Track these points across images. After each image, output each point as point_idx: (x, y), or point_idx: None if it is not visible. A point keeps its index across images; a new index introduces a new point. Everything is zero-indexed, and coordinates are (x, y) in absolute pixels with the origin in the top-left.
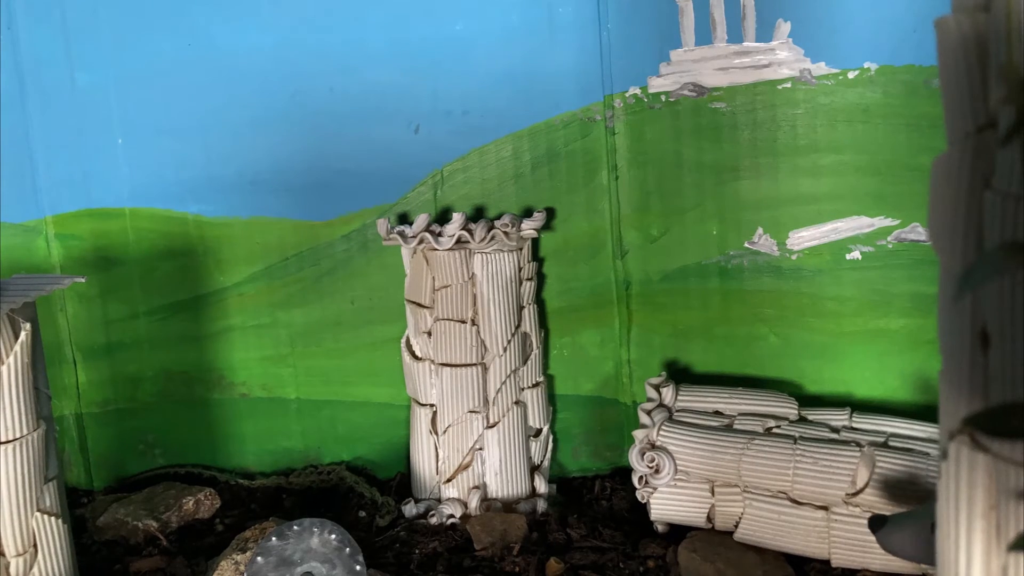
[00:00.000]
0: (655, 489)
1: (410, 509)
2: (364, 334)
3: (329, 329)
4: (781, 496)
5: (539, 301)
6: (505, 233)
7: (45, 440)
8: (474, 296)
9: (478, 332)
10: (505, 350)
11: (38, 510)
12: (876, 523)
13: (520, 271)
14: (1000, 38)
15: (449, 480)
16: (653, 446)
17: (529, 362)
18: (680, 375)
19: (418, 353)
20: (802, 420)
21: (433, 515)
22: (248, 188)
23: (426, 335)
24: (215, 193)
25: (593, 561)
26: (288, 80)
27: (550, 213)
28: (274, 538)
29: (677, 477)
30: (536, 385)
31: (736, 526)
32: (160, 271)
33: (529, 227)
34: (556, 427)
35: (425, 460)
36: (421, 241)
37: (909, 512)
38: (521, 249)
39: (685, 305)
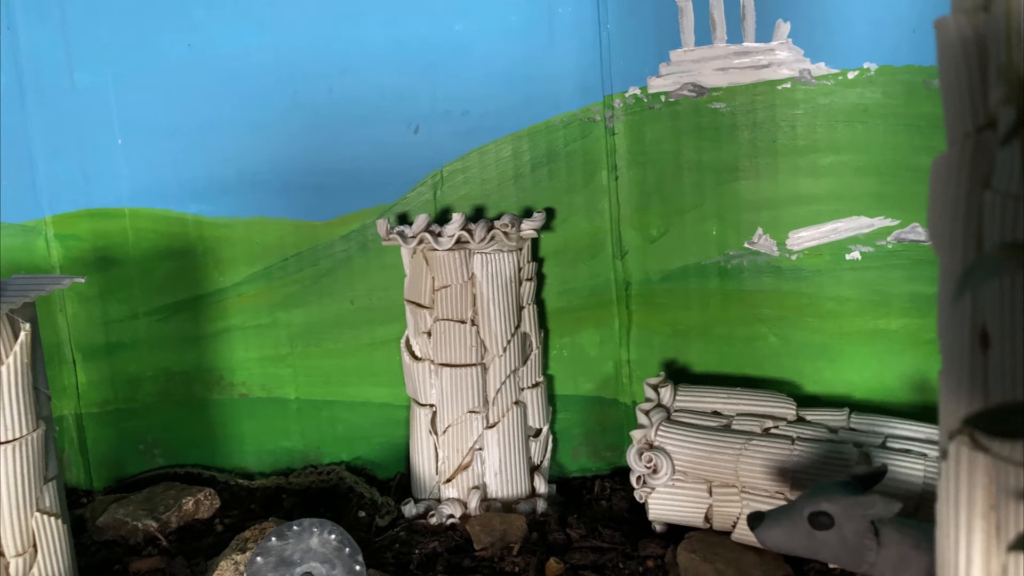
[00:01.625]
0: (653, 489)
1: (410, 509)
2: (364, 334)
3: (329, 329)
4: (779, 497)
5: (539, 301)
6: (505, 233)
7: (45, 440)
8: (474, 296)
9: (478, 332)
10: (505, 350)
11: (38, 510)
12: (755, 519)
13: (520, 271)
14: (1000, 38)
15: (449, 480)
16: (651, 446)
17: (529, 362)
18: (679, 375)
19: (418, 353)
20: (800, 421)
21: (433, 515)
22: (248, 188)
23: (426, 335)
24: (215, 193)
25: (593, 561)
26: (288, 80)
27: (550, 213)
28: (274, 538)
29: (675, 477)
30: (536, 385)
31: (734, 526)
32: (160, 271)
33: (529, 227)
34: (556, 427)
35: (425, 460)
36: (421, 241)
37: (784, 507)
38: (521, 249)
39: (685, 305)
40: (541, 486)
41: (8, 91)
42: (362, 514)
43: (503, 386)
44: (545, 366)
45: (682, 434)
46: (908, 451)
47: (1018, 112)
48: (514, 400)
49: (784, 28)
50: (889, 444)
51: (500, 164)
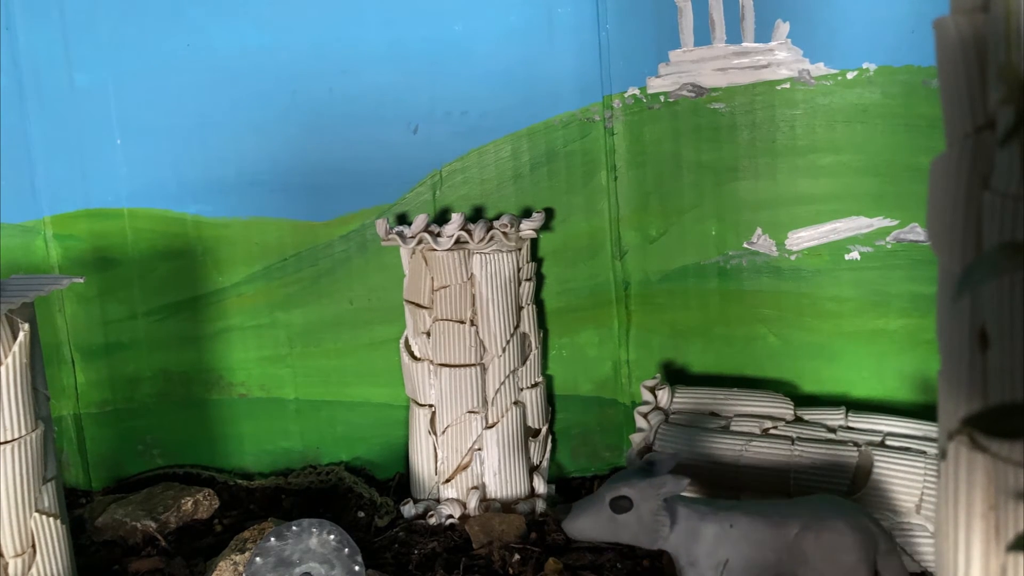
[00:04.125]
0: None
1: (409, 509)
2: (363, 334)
3: (328, 329)
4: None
5: (538, 301)
6: (504, 233)
7: (43, 440)
8: (473, 296)
9: (477, 332)
10: (504, 350)
11: (36, 511)
12: (562, 512)
13: (519, 271)
14: (999, 39)
15: (448, 480)
16: (650, 449)
17: (528, 362)
18: (678, 375)
19: (417, 353)
20: (798, 420)
21: (432, 515)
22: (247, 188)
23: (425, 335)
24: (214, 193)
25: (591, 561)
26: (287, 81)
27: (549, 213)
28: (273, 539)
29: None
30: (535, 385)
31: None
32: (159, 271)
33: (528, 227)
34: (555, 427)
35: (424, 460)
36: (420, 241)
37: (587, 498)
38: (520, 249)
39: (684, 305)
40: (540, 486)
41: (7, 91)
42: (361, 514)
43: (502, 386)
44: (544, 366)
45: (681, 437)
46: (907, 448)
47: (1017, 112)
48: (513, 400)
49: (783, 28)
50: (888, 442)
51: (499, 164)
